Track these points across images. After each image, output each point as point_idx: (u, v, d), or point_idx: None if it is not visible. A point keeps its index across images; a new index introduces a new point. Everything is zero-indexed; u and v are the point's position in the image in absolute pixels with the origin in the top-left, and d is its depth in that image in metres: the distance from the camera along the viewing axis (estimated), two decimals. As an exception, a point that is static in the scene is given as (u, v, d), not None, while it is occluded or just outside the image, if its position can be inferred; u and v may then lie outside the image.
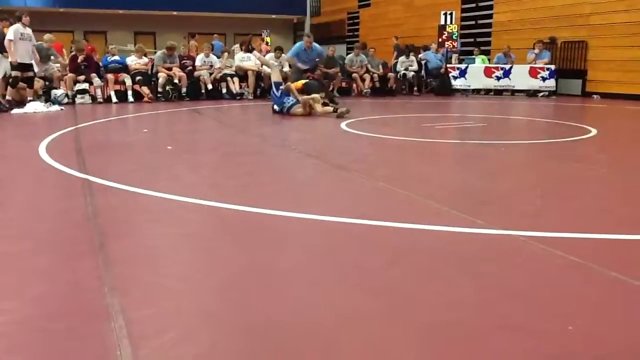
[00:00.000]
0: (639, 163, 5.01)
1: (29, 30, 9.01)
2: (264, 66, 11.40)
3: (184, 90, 11.10)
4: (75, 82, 10.37)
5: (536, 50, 12.37)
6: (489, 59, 13.79)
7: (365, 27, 19.26)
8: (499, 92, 13.00)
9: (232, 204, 3.31)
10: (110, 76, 10.59)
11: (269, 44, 16.18)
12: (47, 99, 9.78)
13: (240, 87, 11.80)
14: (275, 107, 8.52)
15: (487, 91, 13.17)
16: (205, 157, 5.27)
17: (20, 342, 1.77)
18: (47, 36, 10.56)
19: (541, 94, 12.39)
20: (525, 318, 1.90)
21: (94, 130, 7.06)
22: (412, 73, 13.19)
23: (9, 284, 2.23)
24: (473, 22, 14.89)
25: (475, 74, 13.04)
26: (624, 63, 11.34)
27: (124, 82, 10.72)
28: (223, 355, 1.69)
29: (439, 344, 1.74)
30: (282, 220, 3.06)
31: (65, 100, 10.10)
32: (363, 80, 12.80)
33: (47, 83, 10.23)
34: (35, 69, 9.54)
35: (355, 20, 19.91)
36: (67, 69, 10.59)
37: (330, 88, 11.32)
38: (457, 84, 13.16)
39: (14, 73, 8.95)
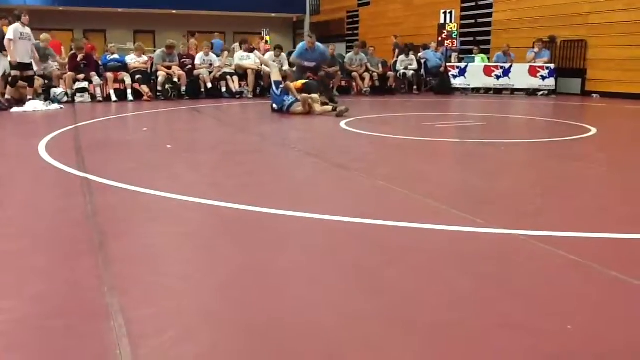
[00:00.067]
0: (638, 162, 5.01)
1: (28, 30, 8.97)
2: (263, 65, 11.39)
3: (183, 88, 11.09)
4: (75, 80, 10.35)
5: (536, 49, 12.37)
6: (488, 58, 13.77)
7: (365, 26, 19.25)
8: (498, 91, 12.99)
9: (232, 203, 3.30)
10: (109, 75, 10.58)
11: (269, 43, 16.16)
12: (47, 97, 9.78)
13: (240, 86, 11.79)
14: (275, 105, 8.51)
15: (487, 90, 13.15)
16: (204, 156, 5.27)
17: (19, 340, 1.77)
18: (43, 36, 10.55)
19: (541, 92, 12.38)
20: (525, 317, 1.90)
21: (93, 128, 7.05)
22: (412, 72, 13.19)
23: (7, 282, 2.23)
24: (473, 21, 14.88)
25: (475, 73, 13.03)
26: (623, 62, 11.34)
27: (123, 81, 10.71)
28: (223, 354, 1.69)
29: (439, 343, 1.74)
30: (281, 219, 3.05)
31: (65, 98, 10.10)
32: (362, 79, 12.80)
33: (46, 82, 10.23)
34: (35, 68, 9.53)
35: (355, 19, 19.90)
36: (67, 67, 10.58)
37: (330, 87, 11.32)
38: (457, 82, 13.16)
39: (13, 73, 8.94)
